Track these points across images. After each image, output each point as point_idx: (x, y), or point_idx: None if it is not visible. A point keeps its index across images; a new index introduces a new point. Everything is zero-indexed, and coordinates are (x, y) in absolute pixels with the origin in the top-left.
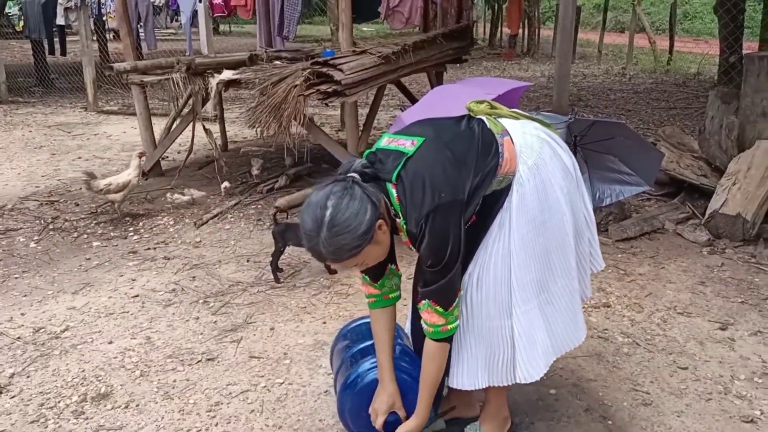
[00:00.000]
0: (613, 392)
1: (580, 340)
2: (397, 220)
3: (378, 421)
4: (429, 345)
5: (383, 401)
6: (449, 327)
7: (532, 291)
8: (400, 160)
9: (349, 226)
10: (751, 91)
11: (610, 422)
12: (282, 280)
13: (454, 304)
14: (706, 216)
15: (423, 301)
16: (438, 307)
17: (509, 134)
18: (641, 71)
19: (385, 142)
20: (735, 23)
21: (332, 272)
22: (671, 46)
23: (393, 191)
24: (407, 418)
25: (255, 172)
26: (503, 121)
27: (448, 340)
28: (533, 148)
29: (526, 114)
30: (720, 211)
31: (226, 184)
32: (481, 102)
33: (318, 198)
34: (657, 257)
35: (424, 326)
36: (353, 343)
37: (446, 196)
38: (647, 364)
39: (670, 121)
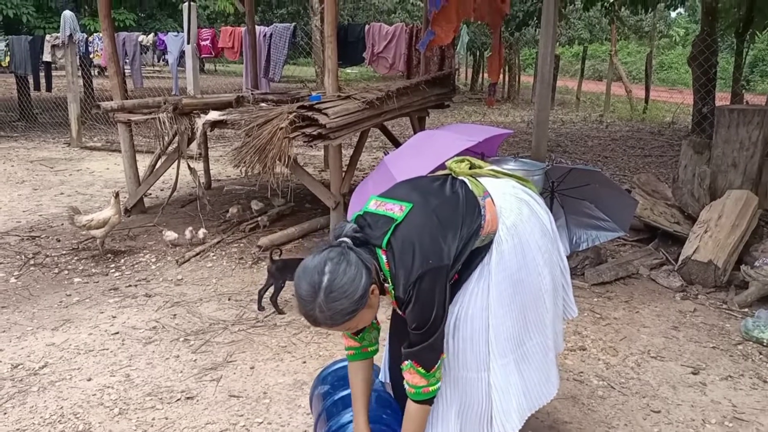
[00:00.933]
0: None
1: (552, 394)
2: (386, 284)
3: None
4: (410, 406)
5: None
6: (430, 389)
7: (509, 346)
8: (390, 226)
9: (346, 291)
10: (722, 141)
11: None
12: (264, 318)
13: (436, 366)
14: (679, 262)
15: (406, 362)
16: (420, 369)
17: (490, 195)
18: (618, 119)
19: (373, 205)
20: (707, 76)
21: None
22: (647, 95)
23: (383, 257)
24: None
25: (256, 207)
26: (484, 181)
27: (430, 402)
28: (512, 209)
29: (505, 171)
30: (692, 258)
31: (202, 231)
32: (462, 161)
33: (315, 263)
34: (631, 302)
35: (407, 387)
36: (333, 389)
37: (434, 263)
38: (621, 407)
39: (646, 169)
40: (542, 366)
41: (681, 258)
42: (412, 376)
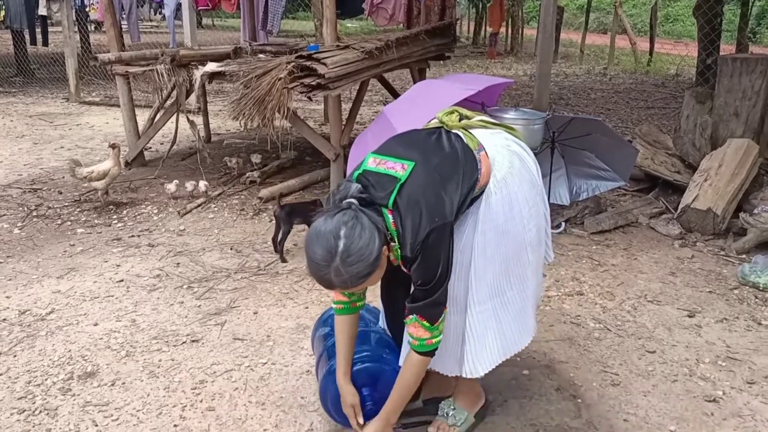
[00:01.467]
0: (583, 373)
1: (526, 342)
2: (392, 244)
3: (352, 423)
4: (412, 356)
5: (345, 405)
6: (434, 341)
7: (488, 293)
8: (394, 186)
9: (363, 255)
10: (724, 91)
11: (579, 401)
12: (266, 266)
13: (440, 319)
14: (679, 211)
15: (410, 316)
16: (425, 322)
17: (484, 149)
18: (622, 71)
19: (372, 163)
20: (712, 25)
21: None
22: (651, 47)
23: (389, 217)
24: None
25: (256, 160)
26: (476, 133)
27: (432, 353)
28: (503, 162)
29: (494, 120)
30: (692, 206)
31: (203, 183)
32: (451, 112)
33: (329, 228)
34: (630, 249)
35: (410, 339)
36: (333, 331)
37: (440, 220)
38: (617, 348)
39: (648, 120)
40: (520, 315)
41: (680, 206)
42: (417, 330)
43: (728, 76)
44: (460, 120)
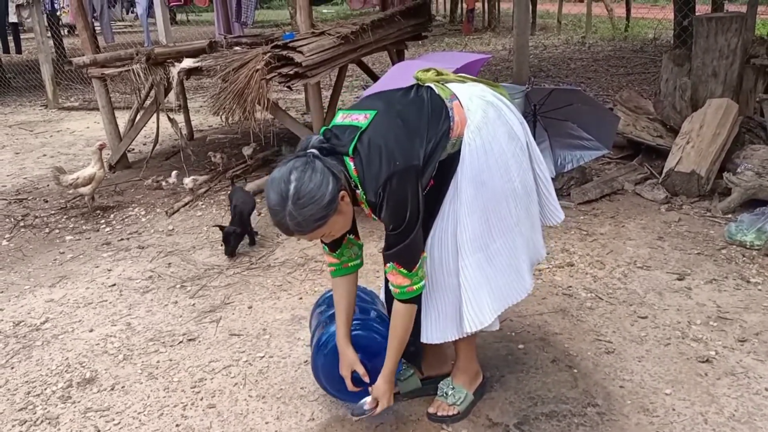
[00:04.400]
0: (577, 343)
1: (524, 293)
2: (357, 191)
3: (347, 385)
4: (397, 306)
5: (343, 366)
6: (414, 287)
7: (471, 248)
8: (355, 134)
9: (314, 197)
10: (701, 52)
11: (575, 371)
12: (258, 260)
13: (418, 265)
14: (663, 175)
15: (388, 264)
16: (402, 269)
17: (458, 98)
18: (600, 39)
19: (339, 118)
20: None
21: (231, 256)
22: (628, 13)
23: (351, 164)
24: (366, 375)
25: (248, 152)
26: (451, 85)
27: (415, 300)
28: (477, 111)
29: (474, 77)
30: (675, 170)
31: (187, 180)
32: (428, 70)
33: (281, 174)
34: (617, 217)
35: (391, 288)
36: (329, 307)
37: (401, 164)
38: (609, 316)
39: (629, 87)
40: (510, 267)
41: (665, 170)
42: (395, 277)
43: (704, 37)
44: (437, 76)
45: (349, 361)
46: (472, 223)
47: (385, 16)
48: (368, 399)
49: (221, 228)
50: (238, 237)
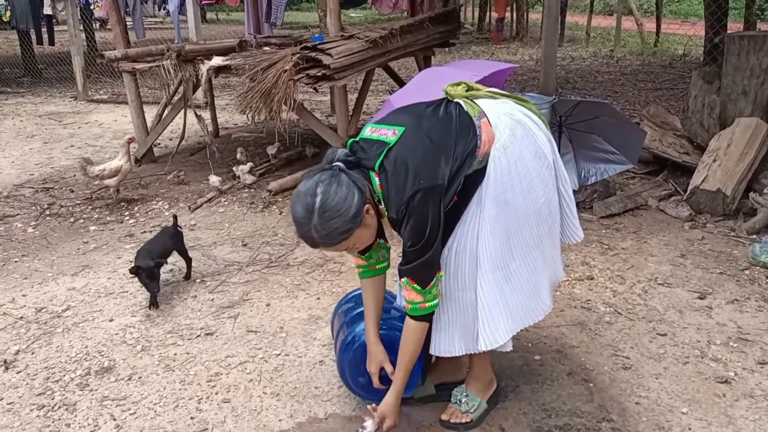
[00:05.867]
0: (594, 357)
1: (542, 314)
2: (380, 206)
3: (374, 382)
4: (408, 322)
5: (371, 363)
6: (427, 305)
7: (491, 266)
8: (382, 150)
9: (339, 210)
10: (732, 70)
11: (591, 385)
12: (277, 258)
13: (432, 283)
14: (688, 192)
15: (402, 279)
16: (416, 285)
17: (486, 116)
18: (629, 53)
19: (368, 132)
20: (718, 4)
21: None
22: (658, 28)
23: (376, 179)
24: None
25: (272, 152)
26: (480, 102)
27: (427, 318)
28: (505, 130)
29: (505, 92)
30: (701, 187)
31: (214, 179)
32: (458, 84)
33: (307, 187)
34: (640, 232)
35: (404, 303)
36: (354, 306)
37: (425, 182)
38: (628, 332)
39: (656, 102)
40: (529, 287)
41: (690, 187)
42: (409, 293)
43: (735, 55)
44: (467, 91)
45: (378, 358)
46: (494, 242)
47: (414, 22)
48: (370, 422)
49: (132, 271)
50: (152, 271)
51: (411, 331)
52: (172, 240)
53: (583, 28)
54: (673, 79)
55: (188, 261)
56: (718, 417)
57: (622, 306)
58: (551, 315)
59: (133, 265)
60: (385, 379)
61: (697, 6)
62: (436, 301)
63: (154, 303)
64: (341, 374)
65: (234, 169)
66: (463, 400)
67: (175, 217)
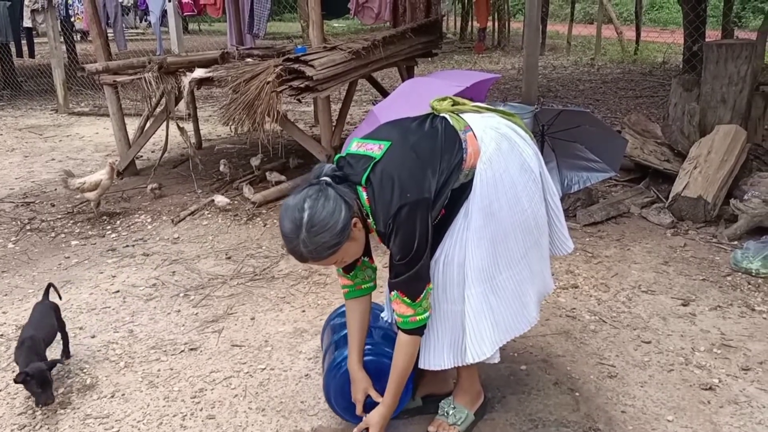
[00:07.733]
0: (580, 366)
1: (527, 325)
2: (368, 220)
3: (357, 409)
4: (400, 336)
5: (356, 391)
6: (418, 318)
7: (477, 278)
8: (369, 164)
9: (327, 224)
10: (711, 77)
11: (577, 394)
12: (262, 271)
13: (422, 296)
14: (670, 199)
15: (392, 293)
16: (405, 298)
17: (472, 129)
18: (609, 61)
19: (354, 147)
20: (696, 12)
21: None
22: (638, 36)
23: (363, 194)
24: (380, 398)
25: (255, 163)
26: (466, 116)
27: (419, 332)
28: (490, 143)
29: (490, 106)
30: (682, 194)
31: (220, 199)
32: (444, 99)
33: (295, 202)
34: (623, 240)
35: (395, 317)
36: (342, 326)
37: (412, 196)
38: (613, 340)
39: (637, 110)
40: (515, 299)
41: (671, 195)
42: (399, 306)
43: (714, 63)
44: (452, 105)
45: (362, 385)
46: (480, 254)
47: (397, 33)
48: None
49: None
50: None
51: (403, 346)
52: (50, 317)
53: (564, 36)
54: (653, 87)
55: (65, 337)
56: (704, 424)
57: (607, 314)
58: (537, 324)
59: (19, 372)
60: (371, 407)
61: (676, 14)
62: (426, 314)
63: (44, 403)
64: (326, 396)
65: (242, 185)
66: (451, 411)
67: (48, 286)
